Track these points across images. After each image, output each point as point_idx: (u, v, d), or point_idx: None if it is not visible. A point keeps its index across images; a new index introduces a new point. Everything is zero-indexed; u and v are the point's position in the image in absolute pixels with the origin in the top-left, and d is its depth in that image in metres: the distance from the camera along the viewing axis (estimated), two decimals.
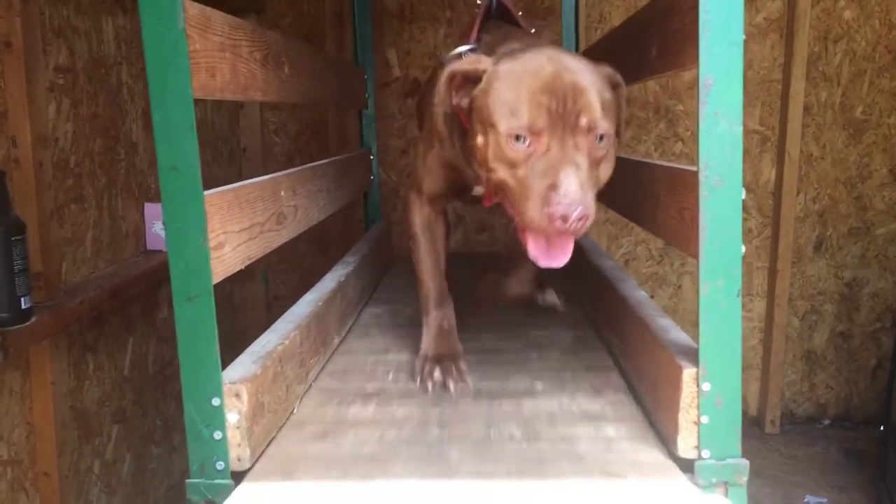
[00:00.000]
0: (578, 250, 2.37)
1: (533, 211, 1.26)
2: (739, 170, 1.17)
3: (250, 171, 3.67)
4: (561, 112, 1.28)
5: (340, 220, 3.59)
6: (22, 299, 1.95)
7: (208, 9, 1.25)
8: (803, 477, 3.40)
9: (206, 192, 1.18)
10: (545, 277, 2.19)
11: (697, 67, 1.17)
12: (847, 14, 3.57)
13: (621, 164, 1.92)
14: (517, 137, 1.30)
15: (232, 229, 1.30)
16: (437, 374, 1.63)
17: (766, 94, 3.63)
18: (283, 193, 1.61)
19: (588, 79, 1.33)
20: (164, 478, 2.94)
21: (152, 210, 2.77)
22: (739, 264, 1.19)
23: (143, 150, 2.79)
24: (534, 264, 1.35)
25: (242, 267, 1.35)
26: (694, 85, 3.64)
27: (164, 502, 2.91)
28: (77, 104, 2.37)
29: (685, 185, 1.29)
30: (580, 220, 1.21)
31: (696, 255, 1.21)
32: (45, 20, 2.20)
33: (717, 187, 1.17)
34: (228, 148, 3.61)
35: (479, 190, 1.68)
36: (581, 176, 1.25)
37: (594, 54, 2.33)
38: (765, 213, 3.73)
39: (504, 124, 1.32)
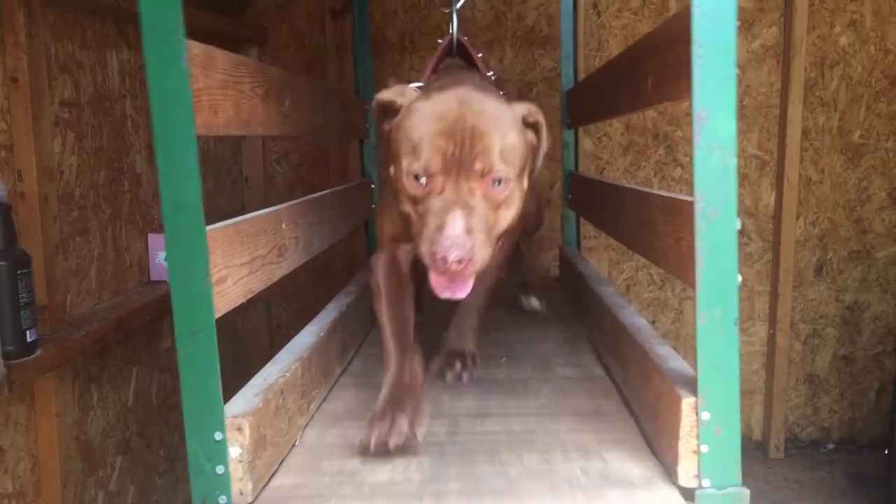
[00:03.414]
0: (579, 277, 2.42)
1: (423, 248, 1.34)
2: (734, 201, 1.18)
3: (252, 200, 3.69)
4: (457, 156, 1.34)
5: (342, 248, 3.61)
6: (27, 332, 1.96)
7: (211, 48, 1.26)
8: (808, 502, 3.39)
9: (208, 228, 1.19)
10: (529, 285, 2.51)
11: (691, 100, 1.18)
12: (843, 40, 3.61)
13: (620, 193, 1.96)
14: (416, 176, 1.37)
15: (234, 263, 1.31)
16: (377, 433, 1.41)
17: (763, 120, 3.67)
18: (284, 226, 1.62)
19: (491, 123, 1.38)
20: None
21: (156, 241, 2.78)
22: (737, 294, 1.20)
23: (147, 181, 2.82)
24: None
25: (244, 300, 1.36)
26: (691, 112, 3.66)
27: None
28: (82, 138, 2.40)
29: (682, 214, 1.30)
30: (459, 262, 1.28)
31: (693, 285, 1.22)
32: (51, 55, 2.23)
33: (712, 218, 1.18)
34: (231, 177, 3.64)
35: None
36: (471, 219, 1.32)
37: (594, 83, 2.36)
38: (765, 237, 3.74)
39: (405, 162, 1.39)
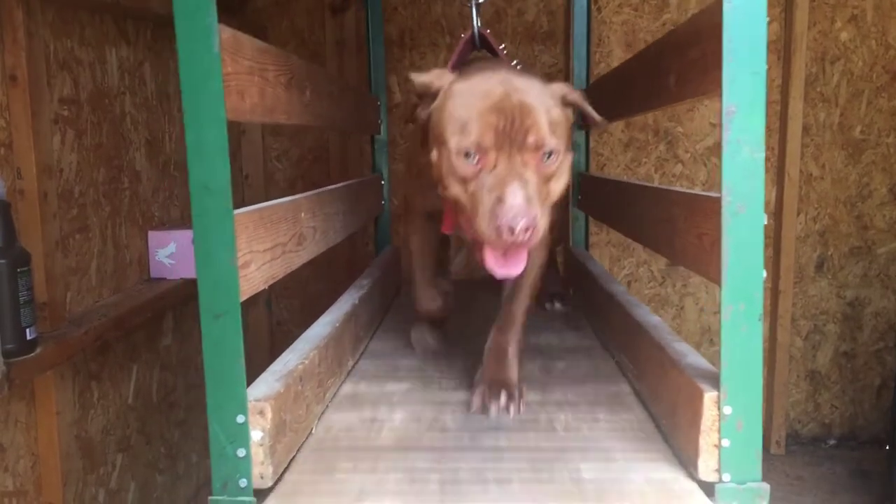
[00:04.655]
0: (588, 276, 2.41)
1: (483, 224, 1.31)
2: (762, 195, 1.17)
3: (252, 197, 3.67)
4: (508, 130, 1.34)
5: (344, 246, 3.59)
6: (27, 330, 1.95)
7: (239, 33, 1.26)
8: (810, 498, 3.38)
9: (235, 212, 1.20)
10: (554, 290, 2.49)
11: (719, 95, 1.18)
12: (844, 35, 3.60)
13: (635, 191, 1.96)
14: (466, 154, 1.35)
15: (257, 248, 1.32)
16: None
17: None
18: (303, 215, 1.62)
19: (537, 98, 1.38)
20: None
21: (156, 238, 2.76)
22: (761, 288, 1.19)
23: (147, 178, 2.80)
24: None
25: (265, 286, 1.36)
26: (692, 107, 3.67)
27: None
28: (81, 135, 2.38)
29: (705, 210, 1.30)
30: (526, 230, 1.27)
31: (716, 280, 1.21)
32: (50, 53, 2.21)
33: (739, 213, 1.18)
34: (231, 174, 3.60)
35: None
36: (528, 190, 1.31)
37: (609, 83, 2.36)
38: (766, 233, 3.68)
39: (454, 141, 1.36)
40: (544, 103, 1.39)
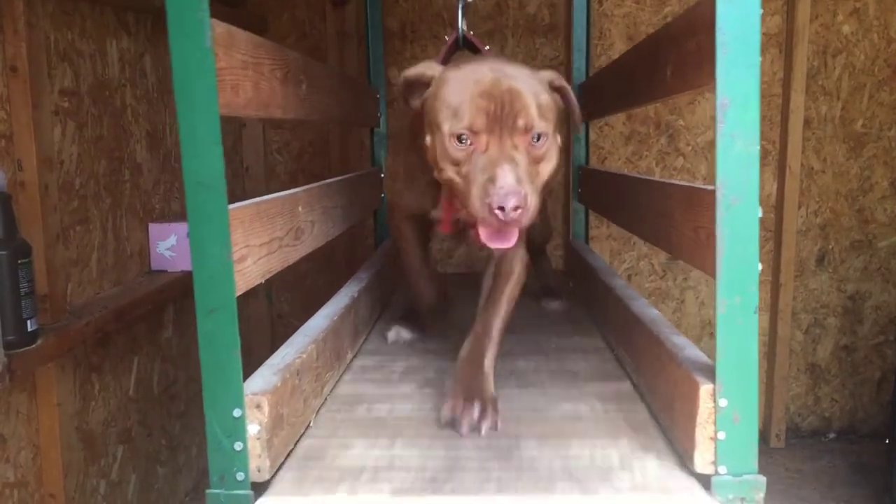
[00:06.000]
0: (588, 270, 2.42)
1: (475, 203, 1.37)
2: (756, 189, 1.17)
3: (253, 189, 3.68)
4: (499, 114, 1.40)
5: (344, 239, 3.60)
6: (28, 322, 1.96)
7: (233, 27, 1.26)
8: (809, 491, 3.38)
9: (229, 207, 1.20)
10: (548, 288, 2.52)
11: (713, 88, 1.18)
12: (846, 28, 3.59)
13: (634, 184, 1.96)
14: (459, 138, 1.42)
15: (253, 243, 1.32)
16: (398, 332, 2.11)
17: (766, 109, 3.64)
18: (300, 209, 1.63)
19: (525, 83, 1.45)
20: (170, 498, 2.94)
21: (157, 230, 2.77)
22: (756, 282, 1.19)
23: (148, 170, 2.80)
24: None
25: (262, 281, 1.37)
26: (694, 100, 3.66)
27: None
28: (82, 127, 2.38)
29: (701, 203, 1.30)
30: (516, 209, 1.32)
31: (712, 273, 1.21)
32: (51, 44, 2.22)
33: (733, 206, 1.18)
34: (232, 167, 3.62)
35: (435, 214, 1.81)
36: (518, 171, 1.37)
37: (607, 76, 2.36)
38: (767, 226, 3.73)
39: (447, 125, 1.43)
40: (533, 88, 1.45)
